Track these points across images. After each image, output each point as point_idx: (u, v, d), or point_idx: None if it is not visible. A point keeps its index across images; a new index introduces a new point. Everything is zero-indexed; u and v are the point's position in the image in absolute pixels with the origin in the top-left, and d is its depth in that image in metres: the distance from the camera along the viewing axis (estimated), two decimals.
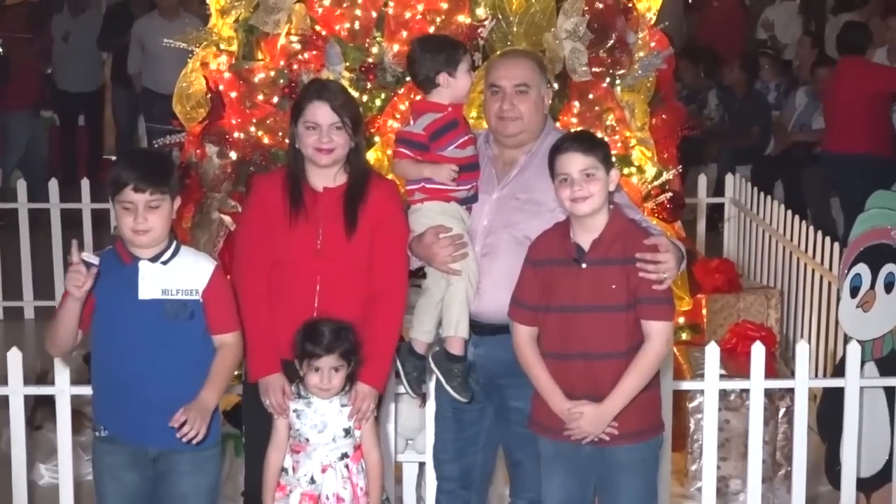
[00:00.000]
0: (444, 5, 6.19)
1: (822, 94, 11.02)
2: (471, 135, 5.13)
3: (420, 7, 6.21)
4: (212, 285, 4.75)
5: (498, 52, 5.98)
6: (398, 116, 6.08)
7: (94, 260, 4.56)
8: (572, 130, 5.43)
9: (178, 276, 4.73)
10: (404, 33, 6.13)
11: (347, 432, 4.85)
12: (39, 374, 6.25)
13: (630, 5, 6.76)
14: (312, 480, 4.83)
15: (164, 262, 4.72)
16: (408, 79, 5.72)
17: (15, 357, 5.73)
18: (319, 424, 4.82)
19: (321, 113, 4.89)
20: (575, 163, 4.65)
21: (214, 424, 4.84)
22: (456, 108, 5.12)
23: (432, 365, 5.09)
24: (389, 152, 5.47)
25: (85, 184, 9.64)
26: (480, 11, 6.25)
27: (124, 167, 4.70)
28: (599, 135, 5.12)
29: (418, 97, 5.29)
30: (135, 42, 12.47)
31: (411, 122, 5.12)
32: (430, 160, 5.01)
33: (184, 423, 4.60)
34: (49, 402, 5.98)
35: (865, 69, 10.68)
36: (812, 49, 13.01)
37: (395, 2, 6.26)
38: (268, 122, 6.37)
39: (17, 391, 5.79)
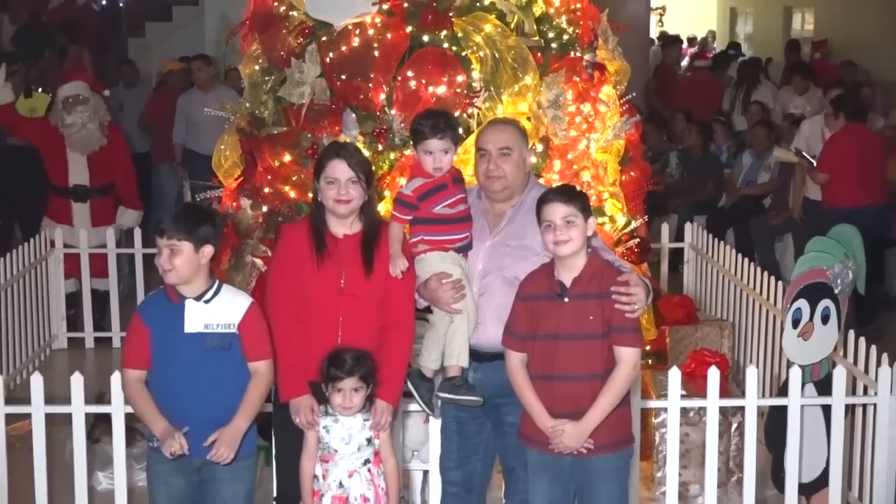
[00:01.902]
0: (445, 78, 6.21)
1: (825, 155, 10.14)
2: (462, 194, 5.16)
3: (423, 81, 6.23)
4: (246, 319, 4.78)
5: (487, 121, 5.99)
6: (410, 171, 6.10)
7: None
8: (555, 185, 5.42)
9: (218, 313, 4.77)
10: (413, 104, 6.15)
11: (369, 441, 4.89)
12: (98, 394, 6.25)
13: (603, 78, 6.79)
14: (341, 485, 4.86)
15: (206, 301, 4.77)
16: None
17: (77, 380, 5.77)
18: (346, 437, 4.85)
19: (340, 169, 4.91)
20: (557, 211, 4.69)
21: (250, 437, 4.88)
22: (449, 173, 5.15)
23: (441, 394, 5.11)
24: None
25: (137, 232, 9.66)
26: (475, 85, 6.27)
27: (176, 219, 4.78)
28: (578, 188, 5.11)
29: None
30: (180, 114, 12.42)
31: (406, 184, 5.17)
32: (421, 217, 5.08)
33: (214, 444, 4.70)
34: (106, 419, 6.01)
35: (867, 134, 10.37)
36: (762, 116, 13.06)
37: (402, 76, 6.28)
38: (293, 178, 6.37)
39: (79, 409, 5.81)
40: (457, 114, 6.06)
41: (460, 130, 5.61)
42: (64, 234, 9.48)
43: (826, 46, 17.65)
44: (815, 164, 10.07)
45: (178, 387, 4.74)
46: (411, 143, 5.36)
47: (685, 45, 20.86)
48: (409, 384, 5.16)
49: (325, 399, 4.88)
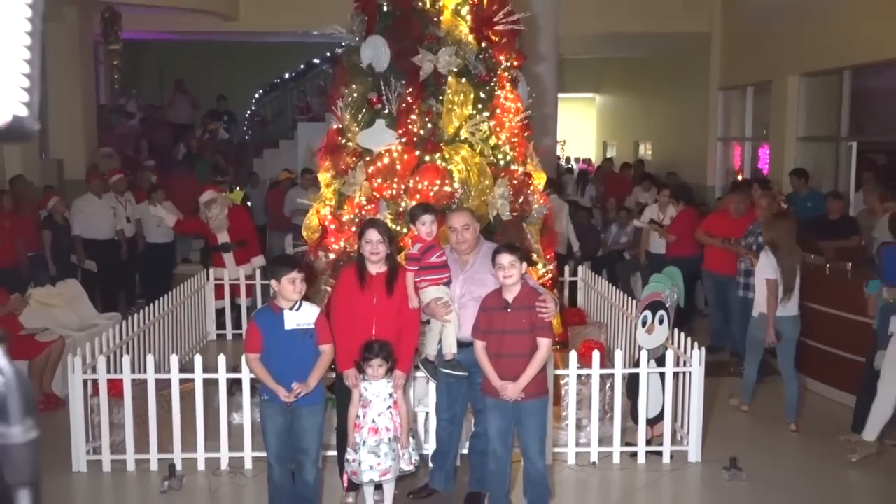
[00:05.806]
0: (438, 182, 6.21)
1: (673, 225, 10.04)
2: (442, 250, 5.19)
3: (425, 182, 6.22)
4: (319, 319, 4.77)
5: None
6: (412, 239, 6.06)
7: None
8: (502, 243, 5.41)
9: (303, 316, 4.74)
10: (417, 196, 6.14)
11: (391, 395, 4.84)
12: (233, 367, 6.19)
13: (530, 182, 6.79)
14: (374, 421, 4.80)
15: (297, 310, 4.73)
16: None
17: (222, 359, 5.78)
18: (377, 393, 4.83)
19: (373, 235, 4.91)
20: (505, 258, 4.70)
21: (320, 390, 4.83)
22: (435, 237, 5.18)
23: (443, 370, 5.14)
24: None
25: (258, 271, 9.67)
26: (456, 185, 6.26)
27: (284, 263, 4.76)
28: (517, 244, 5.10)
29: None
30: (289, 201, 12.50)
31: (412, 247, 5.15)
32: (422, 265, 5.05)
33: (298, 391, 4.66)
34: (238, 381, 5.96)
35: (694, 215, 10.20)
36: (618, 204, 13.05)
37: (413, 180, 6.27)
38: (350, 240, 6.34)
39: (223, 376, 5.79)
40: (444, 203, 6.07)
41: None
42: (215, 272, 9.54)
43: (642, 164, 17.74)
44: (665, 228, 10.13)
45: (279, 362, 4.71)
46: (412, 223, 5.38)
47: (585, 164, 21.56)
48: (421, 366, 5.18)
49: (364, 370, 4.85)
